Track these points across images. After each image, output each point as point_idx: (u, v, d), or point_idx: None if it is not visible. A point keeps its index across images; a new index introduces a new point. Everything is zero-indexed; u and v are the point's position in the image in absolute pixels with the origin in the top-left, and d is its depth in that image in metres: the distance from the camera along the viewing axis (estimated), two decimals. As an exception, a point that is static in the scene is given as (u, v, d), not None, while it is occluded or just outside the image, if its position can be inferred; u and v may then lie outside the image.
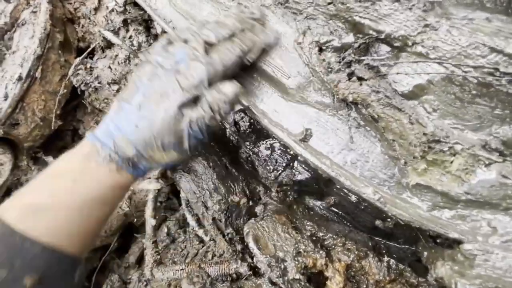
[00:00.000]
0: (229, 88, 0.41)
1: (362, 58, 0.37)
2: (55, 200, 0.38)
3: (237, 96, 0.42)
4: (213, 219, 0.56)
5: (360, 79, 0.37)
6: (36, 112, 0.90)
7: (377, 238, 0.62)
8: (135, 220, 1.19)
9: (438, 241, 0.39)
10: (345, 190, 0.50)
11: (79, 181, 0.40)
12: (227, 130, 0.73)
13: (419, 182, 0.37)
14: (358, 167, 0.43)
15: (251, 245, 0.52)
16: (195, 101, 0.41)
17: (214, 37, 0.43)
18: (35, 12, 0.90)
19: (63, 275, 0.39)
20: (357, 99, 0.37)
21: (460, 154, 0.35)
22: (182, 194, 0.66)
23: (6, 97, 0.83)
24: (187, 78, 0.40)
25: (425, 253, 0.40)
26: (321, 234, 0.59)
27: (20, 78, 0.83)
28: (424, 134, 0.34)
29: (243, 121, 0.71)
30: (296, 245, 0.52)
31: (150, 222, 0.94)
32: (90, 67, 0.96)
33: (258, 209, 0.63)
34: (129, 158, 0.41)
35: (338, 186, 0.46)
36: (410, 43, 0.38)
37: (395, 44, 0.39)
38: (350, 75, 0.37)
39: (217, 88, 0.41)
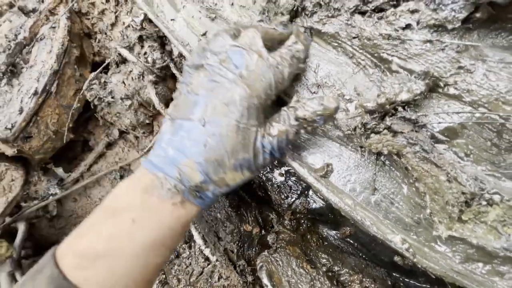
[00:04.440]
0: (332, 102, 0.36)
1: (396, 109, 0.35)
2: (113, 246, 0.34)
3: (336, 111, 0.37)
4: (225, 249, 0.54)
5: (396, 132, 0.35)
6: (49, 126, 0.91)
7: (395, 275, 0.59)
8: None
9: (469, 294, 0.36)
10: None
11: (139, 221, 0.34)
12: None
13: (451, 234, 0.34)
14: (382, 209, 0.41)
15: (265, 281, 0.49)
16: (268, 107, 0.38)
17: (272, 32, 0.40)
18: (54, 27, 0.91)
19: None
20: (392, 151, 0.35)
21: (498, 205, 0.33)
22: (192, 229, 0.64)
23: (21, 111, 0.84)
24: (254, 84, 0.36)
25: (455, 306, 0.37)
26: (336, 268, 0.57)
27: (36, 93, 0.84)
28: (463, 193, 0.32)
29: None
30: (312, 282, 0.50)
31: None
32: (104, 81, 0.96)
33: (271, 238, 0.61)
34: (197, 186, 0.36)
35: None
36: (442, 84, 0.36)
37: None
38: (387, 130, 0.35)
39: (314, 101, 0.37)
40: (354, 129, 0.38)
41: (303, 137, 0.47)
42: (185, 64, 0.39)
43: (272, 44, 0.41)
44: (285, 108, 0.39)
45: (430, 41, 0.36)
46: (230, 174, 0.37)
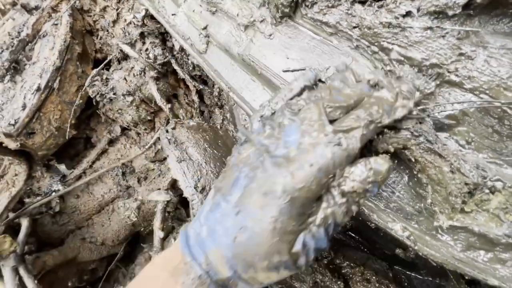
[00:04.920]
0: (382, 163, 0.29)
1: None
2: None
3: (390, 173, 0.30)
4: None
5: (399, 129, 0.34)
6: (52, 122, 0.91)
7: (397, 268, 0.59)
8: (143, 229, 1.18)
9: (472, 283, 0.36)
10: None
11: None
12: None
13: (452, 224, 0.34)
14: (384, 198, 0.41)
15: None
16: (317, 198, 0.30)
17: (341, 100, 0.30)
18: (56, 24, 0.92)
19: None
20: (398, 148, 0.34)
21: (501, 192, 0.33)
22: (193, 211, 0.64)
23: (24, 106, 0.85)
24: (303, 168, 0.28)
25: (457, 295, 0.37)
26: (338, 261, 0.57)
27: (38, 89, 0.85)
28: (466, 184, 0.32)
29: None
30: (313, 274, 0.50)
31: (158, 234, 0.93)
32: (106, 78, 0.97)
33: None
34: (223, 281, 0.31)
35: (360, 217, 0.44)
36: (442, 72, 0.36)
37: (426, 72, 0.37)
38: (390, 129, 0.34)
39: (359, 166, 0.29)
40: None
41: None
42: (240, 128, 0.35)
43: (348, 110, 0.32)
44: None
45: (430, 28, 0.35)
46: (263, 274, 0.31)
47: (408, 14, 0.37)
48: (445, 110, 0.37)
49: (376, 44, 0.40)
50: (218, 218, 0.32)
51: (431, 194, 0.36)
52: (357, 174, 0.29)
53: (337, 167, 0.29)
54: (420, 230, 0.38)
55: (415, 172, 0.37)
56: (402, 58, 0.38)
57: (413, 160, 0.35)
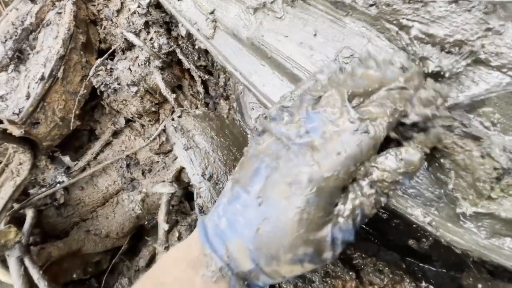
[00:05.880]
0: (414, 153, 0.28)
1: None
2: None
3: (422, 163, 0.29)
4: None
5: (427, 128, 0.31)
6: (56, 112, 0.90)
7: (409, 259, 0.57)
8: (146, 222, 1.18)
9: (494, 272, 0.34)
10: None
11: None
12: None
13: (476, 210, 0.32)
14: (401, 184, 0.39)
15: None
16: (343, 187, 0.28)
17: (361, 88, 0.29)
18: (59, 13, 0.91)
19: None
20: (438, 146, 0.31)
21: (529, 175, 0.31)
22: (198, 201, 0.63)
23: (28, 96, 0.84)
24: (329, 157, 0.27)
25: (480, 285, 0.35)
26: (348, 252, 0.55)
27: (42, 78, 0.84)
28: (495, 169, 0.30)
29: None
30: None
31: (162, 226, 0.92)
32: (110, 68, 0.95)
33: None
34: (244, 273, 0.31)
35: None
36: (467, 49, 0.34)
37: (450, 50, 0.35)
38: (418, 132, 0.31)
39: (389, 156, 0.28)
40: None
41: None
42: (260, 118, 0.35)
43: (369, 95, 0.31)
44: None
45: (455, 2, 0.33)
46: (287, 267, 0.30)
47: (431, -13, 0.34)
48: (468, 90, 0.35)
49: (394, 22, 0.38)
50: (238, 209, 0.31)
51: (454, 179, 0.34)
52: (387, 165, 0.28)
53: (364, 155, 0.28)
54: (440, 217, 0.36)
55: (437, 157, 0.35)
56: (423, 36, 0.36)
57: (440, 145, 0.33)
